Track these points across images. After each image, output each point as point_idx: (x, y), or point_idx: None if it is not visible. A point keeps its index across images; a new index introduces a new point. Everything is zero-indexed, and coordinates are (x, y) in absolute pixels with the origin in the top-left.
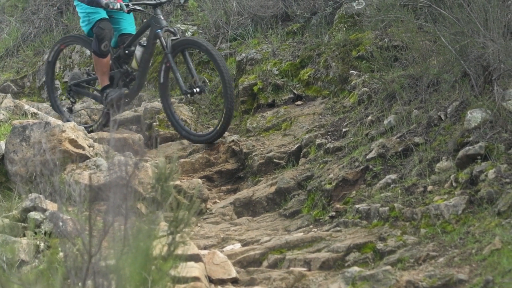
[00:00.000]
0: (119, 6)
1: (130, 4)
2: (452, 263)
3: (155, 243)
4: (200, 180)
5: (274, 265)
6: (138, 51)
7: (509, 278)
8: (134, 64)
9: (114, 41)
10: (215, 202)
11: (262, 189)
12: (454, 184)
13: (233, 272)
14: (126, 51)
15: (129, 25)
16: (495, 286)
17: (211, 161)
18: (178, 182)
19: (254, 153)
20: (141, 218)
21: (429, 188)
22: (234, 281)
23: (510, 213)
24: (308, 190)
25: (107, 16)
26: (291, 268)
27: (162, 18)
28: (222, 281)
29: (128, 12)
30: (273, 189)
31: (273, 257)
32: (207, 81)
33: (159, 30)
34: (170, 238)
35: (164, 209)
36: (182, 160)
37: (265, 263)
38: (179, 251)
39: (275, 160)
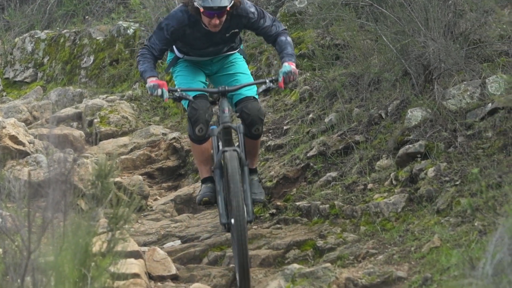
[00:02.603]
0: (160, 93)
1: (179, 90)
2: (392, 260)
3: (95, 239)
4: (141, 177)
5: (214, 262)
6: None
7: (447, 276)
8: None
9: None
10: (155, 199)
11: None
12: (394, 182)
13: (173, 269)
14: None
15: (242, 90)
16: (434, 283)
17: (152, 158)
18: (118, 179)
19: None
20: (80, 215)
21: (369, 186)
22: (174, 277)
23: (449, 211)
24: None
25: (198, 86)
26: (231, 265)
27: (227, 110)
28: (162, 278)
29: (176, 99)
30: None
31: (213, 254)
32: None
33: (214, 127)
34: (110, 235)
35: (104, 206)
36: (123, 157)
37: (205, 260)
38: (119, 247)
39: None
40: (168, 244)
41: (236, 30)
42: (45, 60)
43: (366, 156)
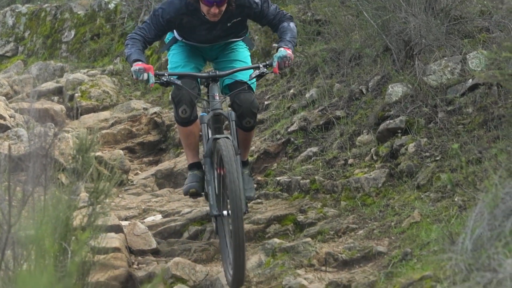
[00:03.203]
0: (145, 77)
1: (166, 75)
2: (372, 235)
3: (75, 213)
4: (121, 151)
5: (195, 237)
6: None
7: (427, 251)
8: None
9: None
10: (136, 174)
11: (183, 161)
12: (374, 157)
13: (153, 243)
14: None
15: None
16: (414, 258)
17: (133, 132)
18: (99, 153)
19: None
20: (61, 189)
21: (350, 161)
22: (155, 252)
23: (429, 187)
24: None
25: (191, 69)
26: (212, 240)
27: (218, 96)
28: (143, 252)
29: (162, 83)
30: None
31: (194, 229)
32: None
33: (204, 114)
34: (91, 209)
35: (84, 180)
36: (104, 131)
37: (185, 235)
38: (100, 222)
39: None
40: (149, 219)
41: (239, 19)
42: (26, 34)
43: (346, 132)
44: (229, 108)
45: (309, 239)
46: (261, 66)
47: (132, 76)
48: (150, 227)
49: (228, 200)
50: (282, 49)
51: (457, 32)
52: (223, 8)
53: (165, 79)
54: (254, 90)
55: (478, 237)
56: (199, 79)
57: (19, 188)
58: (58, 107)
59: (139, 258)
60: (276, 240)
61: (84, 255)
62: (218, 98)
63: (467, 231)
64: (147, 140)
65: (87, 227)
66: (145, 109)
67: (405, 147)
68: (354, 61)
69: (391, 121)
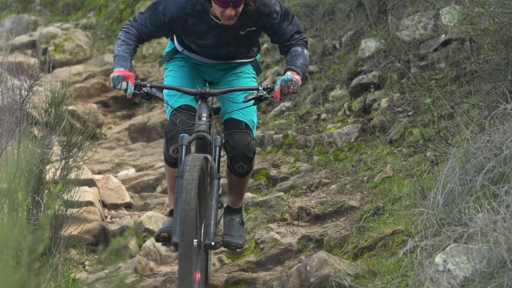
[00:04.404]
0: (123, 87)
1: (148, 86)
2: (344, 190)
3: (48, 167)
4: (95, 105)
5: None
6: None
7: (399, 205)
8: None
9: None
10: (110, 128)
11: (157, 115)
12: (347, 112)
13: (127, 197)
14: None
15: (232, 106)
16: (385, 213)
17: (106, 86)
18: (72, 107)
19: (149, 79)
20: (34, 142)
21: (323, 116)
22: (128, 206)
23: (402, 142)
24: None
25: (189, 101)
26: None
27: (204, 116)
28: (116, 206)
29: (144, 96)
30: None
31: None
32: None
33: (185, 135)
34: (64, 163)
35: (57, 134)
36: (77, 85)
37: (159, 189)
38: (73, 175)
39: None
40: (122, 173)
41: (253, 29)
42: None
43: (320, 86)
44: (217, 132)
45: (281, 193)
46: (260, 88)
47: (110, 84)
48: (124, 181)
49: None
50: (289, 72)
51: None
52: (240, 9)
53: (146, 91)
54: (255, 131)
55: (450, 192)
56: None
57: None
58: (31, 60)
59: (112, 211)
60: (249, 194)
61: (57, 209)
62: (204, 120)
63: (438, 186)
64: (121, 94)
65: (60, 180)
66: None
67: (377, 102)
68: (328, 16)
69: (364, 76)
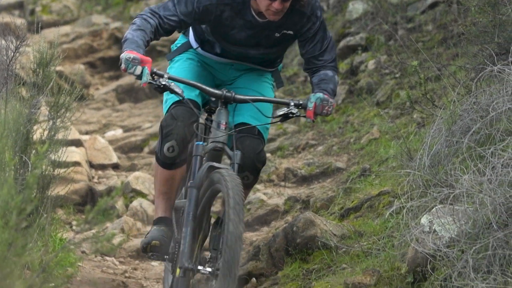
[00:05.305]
0: (138, 72)
1: (166, 77)
2: (331, 151)
3: (36, 127)
4: (82, 66)
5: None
6: None
7: (385, 167)
8: None
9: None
10: (97, 89)
11: None
12: None
13: (114, 158)
14: None
15: (247, 110)
16: (372, 174)
17: (94, 47)
18: (60, 68)
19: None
20: (22, 102)
21: None
22: (115, 166)
23: (389, 103)
24: None
25: (195, 96)
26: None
27: (224, 125)
28: (103, 166)
29: (157, 88)
30: None
31: (154, 143)
32: None
33: (200, 143)
34: (51, 123)
35: (45, 94)
36: (64, 46)
37: (146, 149)
38: (60, 136)
39: (158, 48)
40: (110, 133)
41: (290, 33)
42: None
43: None
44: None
45: (268, 154)
46: (292, 104)
47: (120, 64)
48: (111, 142)
49: (218, 254)
50: (321, 93)
51: None
52: (288, 4)
53: (164, 82)
54: (266, 139)
55: (436, 154)
56: (200, 104)
57: None
58: (18, 21)
59: (100, 172)
60: None
61: (45, 169)
62: (224, 128)
63: (425, 148)
64: (108, 55)
65: (47, 140)
66: (106, 24)
67: (365, 64)
68: None
69: (351, 38)
